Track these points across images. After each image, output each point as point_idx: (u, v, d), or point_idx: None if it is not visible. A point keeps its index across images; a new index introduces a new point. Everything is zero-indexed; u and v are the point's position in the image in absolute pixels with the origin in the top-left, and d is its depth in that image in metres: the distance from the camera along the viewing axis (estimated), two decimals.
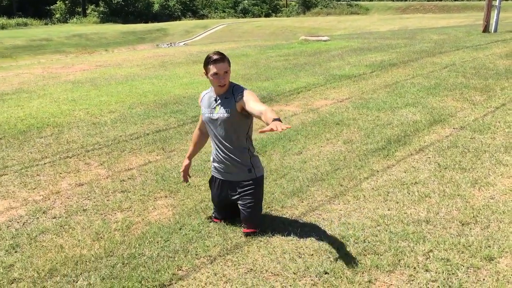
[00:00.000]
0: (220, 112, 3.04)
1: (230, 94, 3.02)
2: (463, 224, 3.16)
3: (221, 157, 3.14)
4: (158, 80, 9.56)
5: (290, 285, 2.56)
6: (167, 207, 3.69)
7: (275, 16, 56.74)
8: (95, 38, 33.10)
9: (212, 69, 2.96)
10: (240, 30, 37.53)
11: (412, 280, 2.53)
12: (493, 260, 2.69)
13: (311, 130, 5.62)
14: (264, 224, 3.26)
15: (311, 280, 2.61)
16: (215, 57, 2.96)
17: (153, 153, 4.99)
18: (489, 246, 2.83)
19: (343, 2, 58.61)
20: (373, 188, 3.90)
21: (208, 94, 3.18)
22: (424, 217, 3.29)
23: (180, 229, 3.29)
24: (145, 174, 4.40)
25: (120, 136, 5.63)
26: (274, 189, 3.93)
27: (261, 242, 3.06)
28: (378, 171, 4.28)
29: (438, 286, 2.46)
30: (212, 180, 3.35)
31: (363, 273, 2.63)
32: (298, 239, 3.09)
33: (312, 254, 2.89)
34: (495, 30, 17.38)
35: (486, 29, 17.40)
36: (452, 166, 4.26)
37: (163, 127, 5.98)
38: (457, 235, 3.01)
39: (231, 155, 3.08)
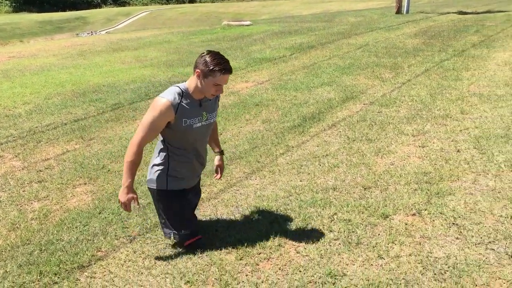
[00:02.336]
0: (210, 117, 2.77)
1: None
2: (365, 189, 3.46)
3: (199, 163, 2.84)
4: (76, 70, 9.27)
5: (206, 255, 2.71)
6: (86, 194, 3.71)
7: (200, 2, 56.08)
8: (8, 28, 31.10)
9: (221, 79, 2.53)
10: (164, 17, 36.82)
11: (318, 241, 2.77)
12: (388, 217, 2.99)
13: (231, 112, 5.78)
14: None
15: (226, 249, 2.77)
16: (228, 66, 2.53)
17: (71, 142, 4.92)
18: (386, 206, 3.13)
19: None
20: (287, 163, 4.12)
21: (180, 101, 2.58)
22: (331, 185, 3.56)
23: (99, 213, 3.33)
24: (63, 163, 4.35)
25: (36, 127, 5.48)
26: None
27: None
28: (293, 147, 4.52)
29: (340, 243, 2.71)
30: (180, 195, 2.79)
31: (274, 238, 2.83)
32: (215, 213, 3.24)
33: (228, 227, 3.05)
34: (407, 12, 18.41)
35: (399, 11, 18.40)
36: (359, 138, 4.59)
37: (82, 116, 5.88)
38: (359, 198, 3.30)
39: (204, 156, 2.93)
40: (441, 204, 3.08)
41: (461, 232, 2.72)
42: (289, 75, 7.80)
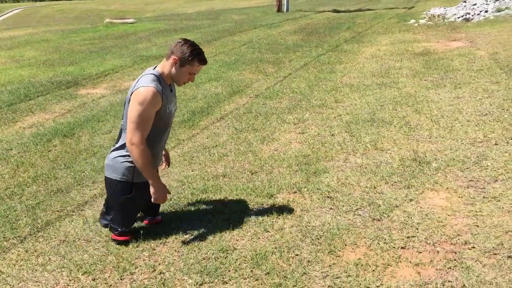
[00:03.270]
0: (175, 101, 2.84)
1: None
2: (252, 173, 3.74)
3: (160, 152, 2.86)
4: None
5: (103, 246, 2.78)
6: None
7: None
8: None
9: (197, 68, 2.64)
10: (39, 15, 34.48)
11: (210, 223, 2.98)
12: (272, 196, 3.30)
13: (119, 110, 5.75)
14: (75, 199, 3.39)
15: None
16: (205, 57, 2.66)
17: None
18: (271, 187, 3.44)
19: None
20: (179, 155, 4.27)
21: (161, 89, 2.59)
22: (221, 172, 3.79)
23: None
24: None
25: None
26: (84, 168, 4.03)
27: (73, 216, 3.19)
28: (184, 140, 4.68)
29: (230, 223, 2.95)
30: (142, 187, 2.72)
31: (169, 224, 2.98)
32: None
33: None
34: (287, 10, 19.40)
35: (279, 9, 19.31)
36: (246, 129, 4.89)
37: None
38: (247, 182, 3.56)
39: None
40: (318, 181, 3.46)
41: (334, 203, 3.11)
42: None
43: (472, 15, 12.05)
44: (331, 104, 5.57)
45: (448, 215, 2.81)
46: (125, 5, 37.91)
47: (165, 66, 2.65)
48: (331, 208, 3.05)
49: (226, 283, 2.37)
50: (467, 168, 3.42)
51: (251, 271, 2.44)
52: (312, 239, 2.69)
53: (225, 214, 3.08)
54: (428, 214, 2.83)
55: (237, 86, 6.78)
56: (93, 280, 2.48)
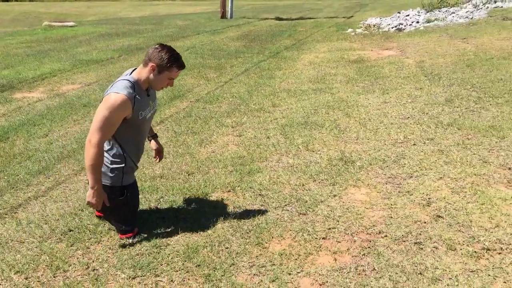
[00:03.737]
0: (154, 105, 2.87)
1: None
2: (189, 174, 3.87)
3: (140, 153, 2.93)
4: None
5: (36, 247, 2.82)
6: None
7: (16, 1, 51.17)
8: None
9: (175, 74, 2.69)
10: None
11: (146, 222, 3.07)
12: (207, 195, 3.44)
13: (57, 114, 5.70)
14: (9, 203, 3.39)
15: (57, 238, 2.91)
16: (183, 62, 2.70)
17: None
18: (206, 186, 3.58)
19: None
20: None
21: (136, 94, 2.62)
22: (159, 174, 3.89)
23: None
24: None
25: None
26: (19, 171, 4.00)
27: (6, 218, 3.19)
28: None
29: (165, 221, 3.06)
30: (132, 187, 2.88)
31: (104, 224, 3.05)
32: (43, 209, 3.31)
33: (58, 219, 3.16)
34: (231, 16, 19.63)
35: (223, 15, 19.51)
36: (185, 132, 5.01)
37: None
38: (183, 183, 3.69)
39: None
40: (251, 180, 3.64)
41: (264, 200, 3.29)
42: (118, 76, 7.84)
43: (405, 26, 12.76)
44: (269, 108, 5.79)
45: (367, 208, 3.07)
46: (66, 8, 36.84)
47: (142, 72, 2.67)
48: (261, 205, 3.23)
49: (158, 275, 2.49)
50: (387, 166, 3.72)
51: (183, 264, 2.57)
52: (242, 233, 2.85)
53: (161, 213, 3.19)
54: (349, 207, 3.08)
55: (178, 91, 6.87)
56: (26, 279, 2.51)
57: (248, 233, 2.85)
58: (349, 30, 13.30)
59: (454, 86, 5.87)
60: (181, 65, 2.69)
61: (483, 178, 3.32)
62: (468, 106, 5.01)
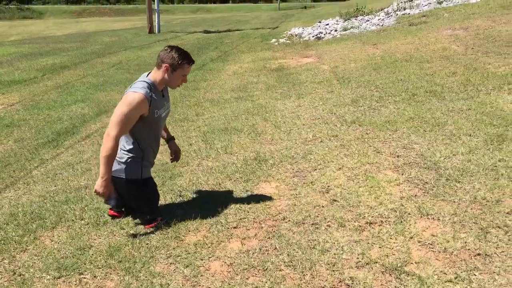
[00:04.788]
0: (168, 105, 3.17)
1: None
2: None
3: (156, 150, 3.25)
4: None
5: None
6: None
7: None
8: None
9: (187, 69, 2.98)
10: None
11: (70, 228, 3.26)
12: None
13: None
14: None
15: None
16: (192, 58, 2.99)
17: None
18: None
19: (13, 6, 54.36)
20: (42, 174, 4.44)
21: (152, 94, 2.90)
22: (84, 185, 4.07)
23: None
24: None
25: None
26: None
27: None
28: (48, 159, 4.84)
29: (89, 226, 3.26)
30: (152, 180, 3.30)
31: (29, 234, 3.21)
32: None
33: None
34: (159, 31, 19.77)
35: (151, 30, 19.60)
36: None
37: None
38: None
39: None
40: (172, 184, 3.91)
41: (184, 200, 3.58)
42: (41, 95, 7.88)
43: (324, 34, 13.53)
44: (192, 118, 6.08)
45: (275, 199, 3.43)
46: None
47: (156, 74, 2.97)
48: (181, 204, 3.51)
49: (82, 273, 2.70)
50: (296, 162, 4.13)
51: (105, 261, 2.80)
52: (162, 230, 3.12)
53: (85, 220, 3.39)
54: (259, 200, 3.43)
55: (104, 106, 7.01)
56: None
57: (167, 229, 3.12)
58: (273, 40, 13.89)
59: (361, 88, 6.45)
60: (191, 61, 3.00)
61: (375, 166, 3.79)
62: (371, 105, 5.57)
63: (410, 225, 2.81)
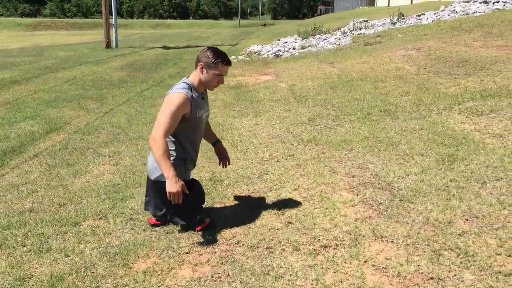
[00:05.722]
0: (208, 109, 3.19)
1: None
2: (60, 206, 3.87)
3: (197, 152, 3.25)
4: None
5: None
6: None
7: None
8: None
9: (223, 70, 2.95)
10: None
11: (11, 256, 3.05)
12: (77, 224, 3.49)
13: None
14: None
15: None
16: (228, 59, 2.98)
17: None
18: (77, 216, 3.62)
19: None
20: None
21: (192, 94, 2.94)
22: (28, 208, 3.85)
23: None
24: None
25: None
26: None
27: None
28: None
29: (31, 254, 3.07)
30: (196, 182, 3.28)
31: None
32: None
33: None
34: (116, 46, 19.42)
35: (108, 45, 19.24)
36: (60, 164, 4.97)
37: None
38: (54, 214, 3.69)
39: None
40: (124, 206, 3.76)
41: (135, 224, 3.43)
42: None
43: (282, 52, 13.67)
44: (147, 136, 5.92)
45: (229, 222, 3.34)
46: None
47: (195, 75, 3.01)
48: (131, 228, 3.37)
49: None
50: (252, 182, 4.06)
51: None
52: (109, 257, 2.96)
53: (27, 246, 3.19)
54: (212, 223, 3.33)
55: (55, 124, 6.74)
56: None
57: (115, 256, 2.97)
58: (232, 57, 13.90)
59: (318, 106, 6.49)
60: (226, 60, 2.97)
61: (330, 186, 3.78)
62: (327, 124, 5.60)
63: (364, 248, 2.78)
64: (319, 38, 15.02)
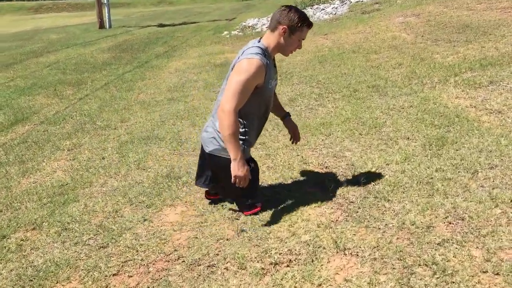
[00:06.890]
0: (276, 77, 2.77)
1: None
2: None
3: (261, 130, 2.86)
4: None
5: None
6: None
7: None
8: None
9: (305, 33, 2.60)
10: None
11: None
12: (5, 237, 3.04)
13: None
14: None
15: None
16: (311, 21, 2.61)
17: None
18: (8, 226, 3.17)
19: None
20: None
21: (266, 61, 2.53)
22: None
23: None
24: None
25: None
26: None
27: None
28: None
29: None
30: (254, 161, 2.83)
31: None
32: None
33: None
34: (110, 26, 18.85)
35: (102, 25, 18.67)
36: (12, 162, 4.52)
37: None
38: None
39: None
40: (63, 212, 3.29)
41: (69, 235, 2.96)
42: None
43: None
44: (116, 124, 5.45)
45: (175, 230, 2.86)
46: None
47: (270, 38, 2.58)
48: (63, 242, 2.90)
49: None
50: None
51: None
52: (25, 282, 2.51)
53: None
54: (156, 232, 2.86)
55: (22, 114, 6.30)
56: None
57: (31, 281, 2.52)
58: (225, 32, 13.27)
59: (302, 84, 5.93)
60: (310, 23, 2.61)
61: (298, 182, 3.26)
62: (308, 104, 5.05)
63: (321, 265, 2.28)
64: (316, 8, 14.25)
